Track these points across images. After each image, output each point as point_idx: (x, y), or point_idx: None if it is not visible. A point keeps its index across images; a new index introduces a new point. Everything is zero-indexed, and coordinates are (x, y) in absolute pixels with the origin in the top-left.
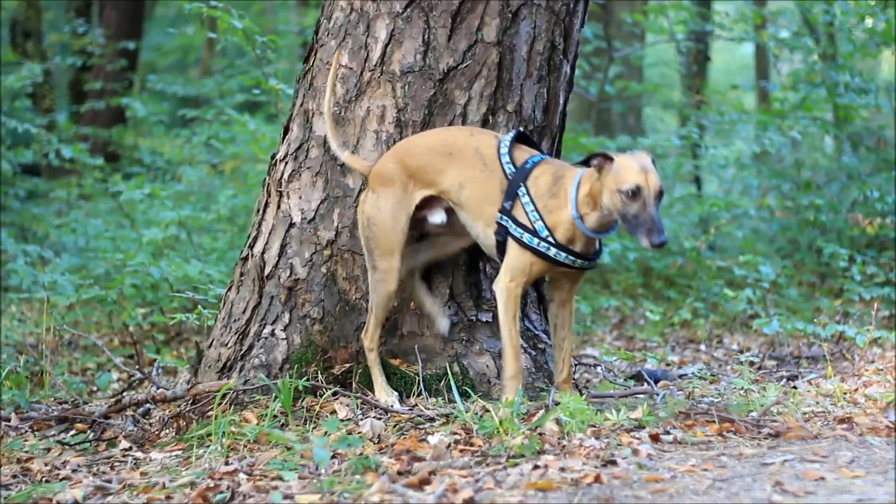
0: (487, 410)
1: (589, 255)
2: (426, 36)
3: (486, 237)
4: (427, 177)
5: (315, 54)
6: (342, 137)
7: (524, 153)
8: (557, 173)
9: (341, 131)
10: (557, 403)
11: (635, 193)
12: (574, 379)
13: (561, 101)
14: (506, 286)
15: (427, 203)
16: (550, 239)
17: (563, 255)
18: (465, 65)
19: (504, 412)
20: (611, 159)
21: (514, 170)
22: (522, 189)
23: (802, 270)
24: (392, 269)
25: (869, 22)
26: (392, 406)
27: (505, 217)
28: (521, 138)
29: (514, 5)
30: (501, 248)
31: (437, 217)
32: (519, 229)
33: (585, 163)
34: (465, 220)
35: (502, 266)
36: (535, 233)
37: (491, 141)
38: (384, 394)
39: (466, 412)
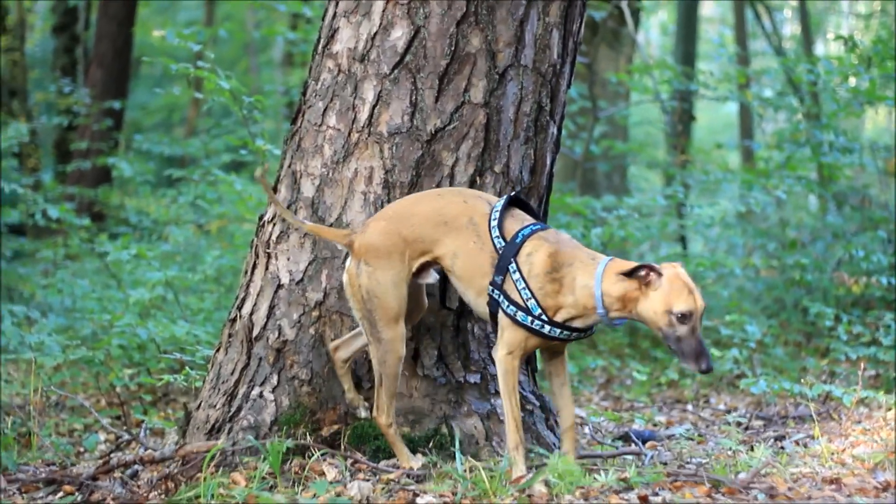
0: (477, 472)
1: (587, 329)
2: (413, 97)
3: (477, 305)
4: (423, 246)
5: (303, 115)
6: (330, 199)
7: (516, 223)
8: (558, 257)
9: (329, 192)
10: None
11: (685, 317)
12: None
13: (548, 162)
14: (503, 358)
15: (421, 267)
16: (544, 317)
17: (559, 331)
18: (452, 126)
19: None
20: (659, 274)
21: (503, 244)
22: (513, 265)
23: (788, 330)
24: (398, 336)
25: (852, 81)
26: (415, 469)
27: (496, 291)
28: (515, 201)
29: (501, 67)
30: (494, 317)
31: (429, 278)
32: (512, 307)
33: (631, 273)
34: (457, 285)
35: (498, 337)
36: (527, 311)
37: (484, 209)
38: (411, 461)
39: (458, 473)
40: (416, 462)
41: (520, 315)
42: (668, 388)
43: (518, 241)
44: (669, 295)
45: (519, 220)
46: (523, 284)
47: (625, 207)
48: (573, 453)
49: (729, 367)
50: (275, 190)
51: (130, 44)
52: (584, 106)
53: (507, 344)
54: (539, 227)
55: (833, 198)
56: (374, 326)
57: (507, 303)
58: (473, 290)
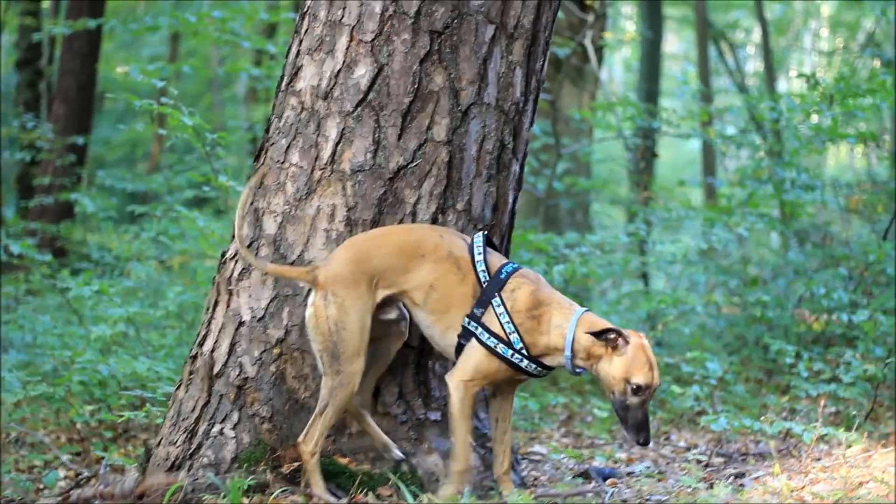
0: None
1: (556, 366)
2: (376, 135)
3: (442, 339)
4: (392, 277)
5: (265, 153)
6: (292, 236)
7: (495, 259)
8: (538, 296)
9: (291, 229)
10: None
11: (640, 390)
12: (521, 476)
13: (510, 200)
14: (463, 384)
15: (384, 301)
16: (524, 352)
17: (534, 366)
18: (414, 164)
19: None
20: (626, 341)
21: (488, 278)
22: (497, 300)
23: (749, 367)
24: (357, 371)
25: (815, 118)
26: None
27: (474, 323)
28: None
29: (464, 105)
30: (460, 349)
31: (391, 313)
32: (492, 338)
33: (599, 335)
34: (421, 319)
35: (459, 363)
36: (509, 343)
37: (461, 244)
38: (325, 495)
39: None
40: (332, 499)
41: (500, 347)
42: None
43: (502, 276)
44: (631, 364)
45: (497, 258)
46: (507, 319)
47: (587, 244)
48: (513, 495)
49: (690, 404)
50: None
51: (94, 79)
52: (547, 143)
53: (472, 371)
54: (517, 265)
55: (795, 235)
56: (336, 359)
57: (486, 335)
58: (443, 324)
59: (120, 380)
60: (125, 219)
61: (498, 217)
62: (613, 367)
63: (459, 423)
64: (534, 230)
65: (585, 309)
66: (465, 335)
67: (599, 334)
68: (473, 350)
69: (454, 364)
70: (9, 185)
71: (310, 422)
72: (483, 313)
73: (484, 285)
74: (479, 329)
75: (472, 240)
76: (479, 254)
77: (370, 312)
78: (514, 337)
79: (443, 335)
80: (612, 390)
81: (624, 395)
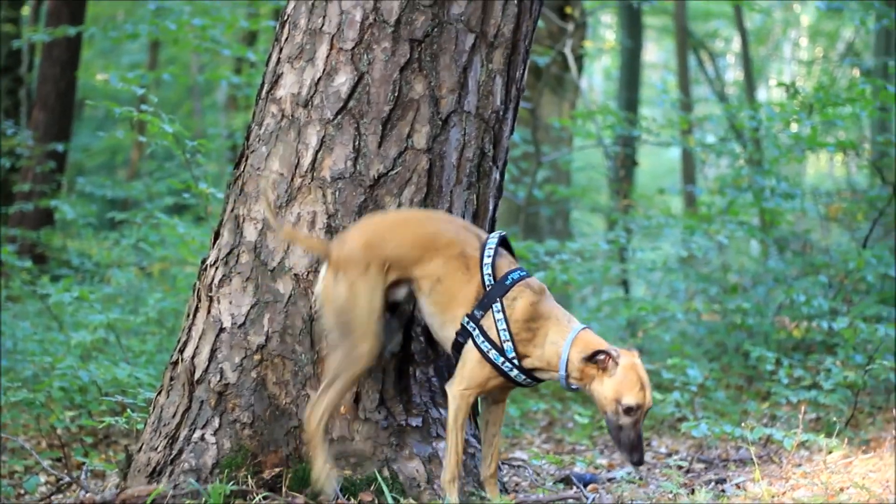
0: None
1: (548, 379)
2: (357, 143)
3: (441, 330)
4: (405, 264)
5: (246, 160)
6: (273, 243)
7: (504, 263)
8: (538, 309)
9: (272, 236)
10: None
11: (632, 410)
12: (503, 482)
13: (490, 207)
14: (460, 393)
15: (393, 283)
16: (515, 361)
17: (523, 377)
18: (395, 171)
19: None
20: (616, 362)
21: (493, 283)
22: (498, 305)
23: (730, 373)
24: (366, 352)
25: (794, 127)
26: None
27: (472, 324)
28: (502, 241)
29: (444, 112)
30: (458, 346)
31: (399, 294)
32: (486, 343)
33: (590, 358)
34: (424, 307)
35: (456, 372)
36: (501, 351)
37: (475, 242)
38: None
39: None
40: (330, 485)
41: (492, 353)
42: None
43: (507, 283)
44: (622, 385)
45: (508, 262)
46: (504, 326)
47: (567, 252)
48: (497, 498)
49: (670, 410)
50: (217, 234)
51: (74, 86)
52: (528, 151)
53: (468, 380)
54: (525, 273)
55: (774, 243)
56: (346, 337)
57: (482, 338)
58: (443, 318)
59: (100, 386)
60: (105, 225)
61: (478, 224)
62: (605, 388)
63: (453, 433)
64: (514, 238)
65: (583, 327)
66: (463, 334)
67: (590, 357)
68: (469, 356)
69: (455, 361)
70: None
71: (317, 394)
72: (483, 316)
73: (488, 289)
74: (477, 331)
75: (486, 240)
76: (489, 256)
77: (380, 295)
78: (507, 345)
79: (441, 327)
80: (605, 411)
81: (616, 416)
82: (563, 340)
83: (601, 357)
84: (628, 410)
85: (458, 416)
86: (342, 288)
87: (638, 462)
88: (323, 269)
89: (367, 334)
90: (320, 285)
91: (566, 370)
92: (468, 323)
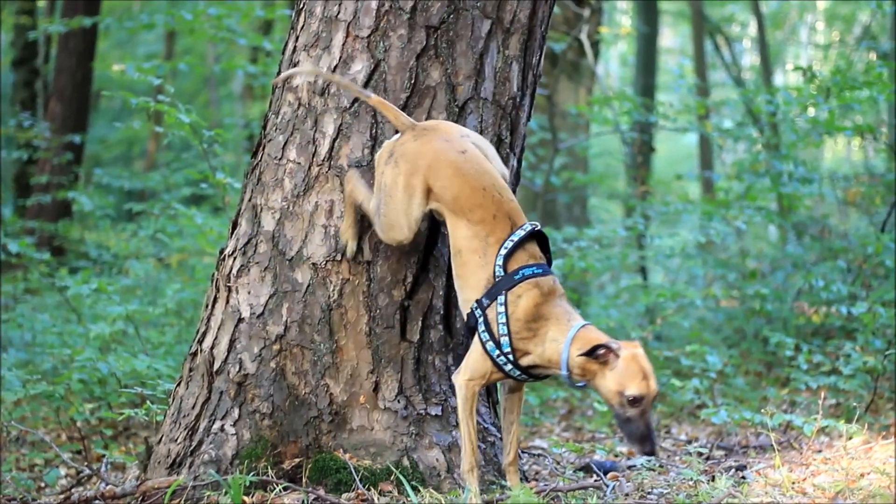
0: None
1: (549, 375)
2: (373, 130)
3: (463, 307)
4: (442, 207)
5: (263, 149)
6: (291, 233)
7: (524, 257)
8: (542, 308)
9: (290, 225)
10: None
11: (636, 401)
12: (523, 471)
13: None
14: (465, 383)
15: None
16: (511, 357)
17: (518, 372)
18: None
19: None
20: (616, 355)
21: (502, 274)
22: (502, 298)
23: (749, 360)
24: (402, 242)
25: (811, 112)
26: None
27: (479, 311)
28: (537, 234)
29: (461, 100)
30: (470, 331)
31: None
32: (486, 333)
33: (589, 353)
34: (452, 268)
35: (465, 360)
36: (498, 344)
37: (506, 230)
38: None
39: None
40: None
41: (489, 345)
42: None
43: (517, 278)
44: (624, 377)
45: (528, 256)
46: (504, 320)
47: (585, 238)
48: (518, 486)
49: (690, 397)
50: (235, 224)
51: (90, 77)
52: (545, 138)
53: (472, 370)
54: (541, 270)
55: (793, 228)
56: (377, 215)
57: (483, 327)
58: (462, 295)
59: (120, 378)
60: (123, 217)
61: None
62: (608, 382)
63: (464, 423)
64: None
65: (584, 324)
66: (472, 318)
67: (589, 353)
68: (474, 346)
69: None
70: (6, 183)
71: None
72: (489, 305)
73: (497, 279)
74: (481, 318)
75: (513, 231)
76: (506, 248)
77: (419, 206)
78: (504, 340)
79: (462, 304)
80: (612, 404)
81: (623, 408)
82: (563, 337)
83: (601, 351)
84: (633, 401)
85: (465, 406)
86: (389, 173)
87: (650, 453)
88: (396, 136)
89: (397, 226)
90: (379, 151)
91: (568, 368)
92: (476, 309)
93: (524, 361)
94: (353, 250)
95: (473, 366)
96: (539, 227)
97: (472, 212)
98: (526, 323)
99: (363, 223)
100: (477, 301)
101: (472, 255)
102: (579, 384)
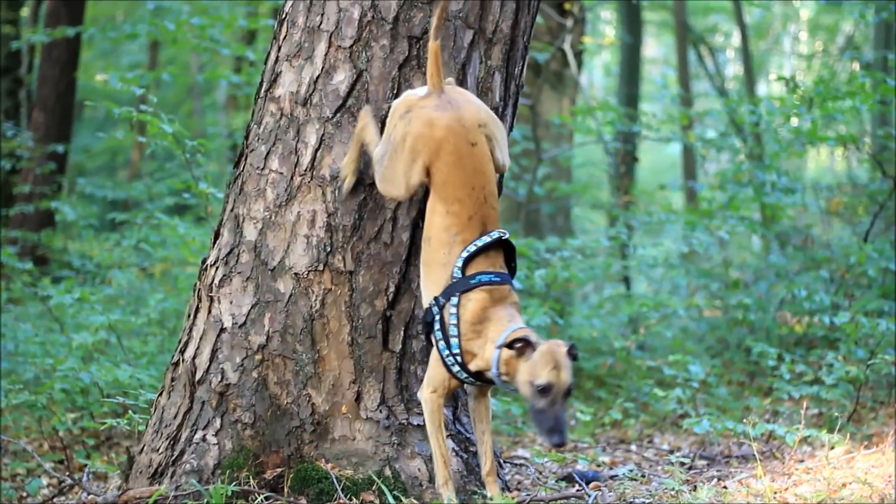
0: None
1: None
2: None
3: (423, 290)
4: (436, 183)
5: (245, 159)
6: (273, 242)
7: (484, 264)
8: (487, 312)
9: (272, 235)
10: None
11: (545, 390)
12: (505, 480)
13: None
14: (429, 397)
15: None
16: (459, 358)
17: (465, 374)
18: None
19: None
20: (533, 348)
21: (459, 276)
22: (455, 299)
23: (732, 369)
24: (395, 197)
25: (795, 122)
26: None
27: (436, 308)
28: (504, 242)
29: None
30: (427, 327)
31: None
32: (440, 331)
33: (509, 345)
34: (423, 250)
35: (426, 375)
36: (448, 344)
37: (471, 236)
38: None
39: None
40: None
41: (440, 344)
42: (611, 428)
43: (472, 282)
44: (535, 367)
45: (488, 264)
46: (455, 321)
47: (568, 248)
48: (498, 497)
49: (672, 406)
50: (217, 234)
51: (73, 87)
52: (528, 147)
53: (432, 381)
54: (499, 279)
55: (776, 238)
56: (378, 163)
57: (437, 325)
58: (424, 289)
59: (102, 387)
60: (106, 226)
61: None
62: (521, 373)
63: (431, 437)
64: (515, 235)
65: (521, 326)
66: (429, 315)
67: (508, 345)
68: (431, 354)
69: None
70: None
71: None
72: (444, 304)
73: (453, 280)
74: (437, 316)
75: (479, 237)
76: (468, 251)
77: (418, 178)
78: (453, 340)
79: (423, 282)
80: (525, 396)
81: (534, 399)
82: (498, 337)
83: (518, 344)
84: (543, 390)
85: (432, 419)
86: (401, 129)
87: (559, 444)
88: (420, 92)
89: (395, 182)
90: (405, 96)
91: (497, 367)
92: (433, 306)
93: (472, 366)
94: (349, 186)
95: (431, 374)
96: (507, 236)
97: (451, 203)
98: (472, 325)
99: (364, 162)
100: (435, 298)
101: (439, 249)
102: (507, 384)
